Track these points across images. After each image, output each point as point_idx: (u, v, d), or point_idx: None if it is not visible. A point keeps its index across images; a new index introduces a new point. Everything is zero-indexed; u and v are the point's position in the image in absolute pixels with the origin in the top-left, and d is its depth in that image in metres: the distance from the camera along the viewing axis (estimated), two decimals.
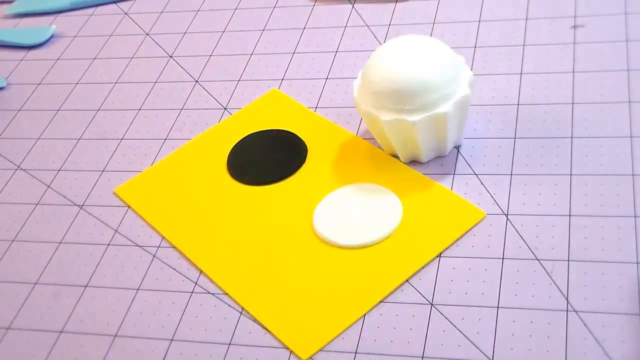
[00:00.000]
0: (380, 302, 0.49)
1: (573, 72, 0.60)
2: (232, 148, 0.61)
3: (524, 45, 0.64)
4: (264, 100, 0.65)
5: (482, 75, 0.62)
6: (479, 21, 0.67)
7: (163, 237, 0.56)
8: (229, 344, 0.49)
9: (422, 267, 0.50)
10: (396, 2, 0.71)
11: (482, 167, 0.55)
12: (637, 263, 0.47)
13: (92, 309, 0.53)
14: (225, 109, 0.65)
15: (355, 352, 0.46)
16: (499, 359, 0.44)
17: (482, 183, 0.54)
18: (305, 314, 0.49)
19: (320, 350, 0.47)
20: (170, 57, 0.72)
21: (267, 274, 0.52)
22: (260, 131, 0.62)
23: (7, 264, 0.57)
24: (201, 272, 0.53)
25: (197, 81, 0.69)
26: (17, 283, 0.55)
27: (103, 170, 0.62)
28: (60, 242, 0.57)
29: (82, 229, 0.58)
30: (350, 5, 0.72)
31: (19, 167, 0.65)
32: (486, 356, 0.45)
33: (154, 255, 0.55)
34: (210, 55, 0.71)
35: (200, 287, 0.52)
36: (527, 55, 0.63)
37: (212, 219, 0.56)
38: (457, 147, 0.57)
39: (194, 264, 0.54)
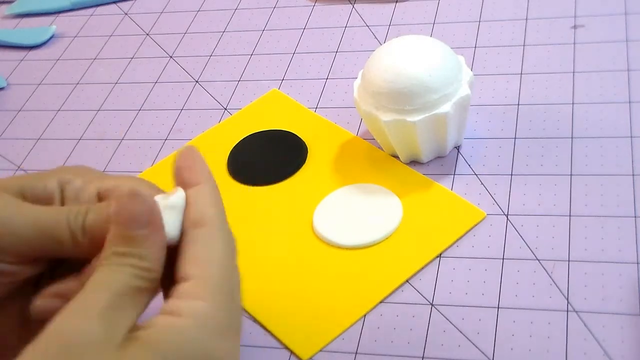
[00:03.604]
0: (380, 302, 0.49)
1: (573, 72, 0.60)
2: (232, 148, 0.61)
3: (524, 45, 0.64)
4: (264, 100, 0.65)
5: (482, 75, 0.62)
6: (479, 21, 0.67)
7: None
8: None
9: (422, 267, 0.50)
10: (396, 2, 0.71)
11: (482, 167, 0.55)
12: (637, 263, 0.47)
13: None
14: (225, 109, 0.65)
15: (356, 353, 0.46)
16: (499, 359, 0.44)
17: (482, 183, 0.54)
18: (305, 314, 0.49)
19: (320, 350, 0.47)
20: (171, 57, 0.72)
21: (267, 274, 0.52)
22: (260, 131, 0.61)
23: None
24: None
25: (197, 81, 0.69)
26: None
27: (103, 171, 0.62)
28: None
29: None
30: (350, 5, 0.72)
31: (19, 167, 0.65)
32: (486, 356, 0.45)
33: None
34: (210, 55, 0.71)
35: None
36: (527, 55, 0.63)
37: None
38: (457, 147, 0.57)
39: None
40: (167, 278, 0.35)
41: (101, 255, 0.34)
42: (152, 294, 0.34)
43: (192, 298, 0.33)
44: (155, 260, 0.34)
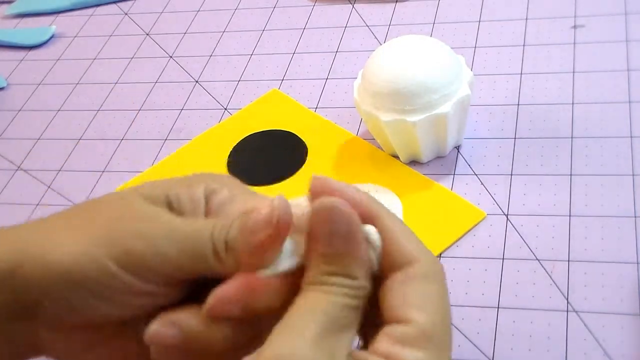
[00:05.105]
0: None
1: (573, 72, 0.60)
2: (232, 148, 0.61)
3: (524, 45, 0.64)
4: (264, 100, 0.65)
5: (482, 75, 0.62)
6: (479, 21, 0.67)
7: None
8: None
9: None
10: (396, 2, 0.71)
11: (482, 167, 0.55)
12: (637, 263, 0.47)
13: None
14: (225, 109, 0.65)
15: None
16: (499, 359, 0.44)
17: (482, 183, 0.54)
18: None
19: None
20: (170, 57, 0.72)
21: None
22: (260, 131, 0.62)
23: None
24: None
25: (197, 81, 0.69)
26: None
27: (103, 171, 0.62)
28: None
29: None
30: (350, 5, 0.72)
31: (19, 167, 0.65)
32: (486, 356, 0.45)
33: None
34: (210, 55, 0.71)
35: None
36: (527, 55, 0.63)
37: None
38: (457, 147, 0.57)
39: None
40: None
41: (305, 278, 0.32)
42: (363, 312, 0.32)
43: (415, 347, 0.30)
44: (363, 277, 0.32)
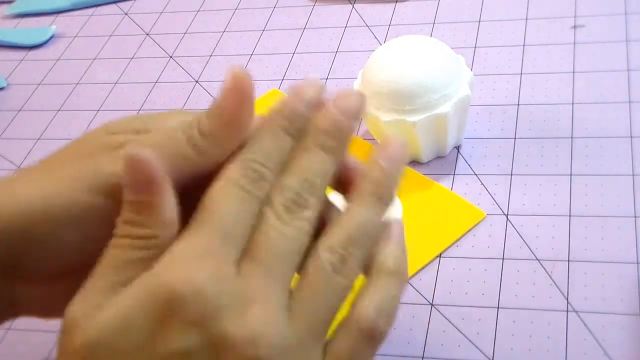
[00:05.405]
0: None
1: (573, 72, 0.60)
2: None
3: (524, 45, 0.64)
4: (264, 100, 0.65)
5: (482, 75, 0.62)
6: (479, 21, 0.67)
7: None
8: None
9: (422, 267, 0.50)
10: (396, 2, 0.71)
11: (482, 167, 0.55)
12: (637, 263, 0.47)
13: None
14: None
15: None
16: (499, 359, 0.44)
17: (482, 183, 0.54)
18: None
19: None
20: (170, 57, 0.72)
21: None
22: None
23: None
24: None
25: (197, 81, 0.69)
26: None
27: None
28: None
29: None
30: (350, 5, 0.72)
31: (19, 167, 0.65)
32: (486, 356, 0.45)
33: None
34: (210, 56, 0.71)
35: None
36: (527, 55, 0.63)
37: None
38: (457, 147, 0.57)
39: None
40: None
41: None
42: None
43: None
44: (157, 225, 0.31)
